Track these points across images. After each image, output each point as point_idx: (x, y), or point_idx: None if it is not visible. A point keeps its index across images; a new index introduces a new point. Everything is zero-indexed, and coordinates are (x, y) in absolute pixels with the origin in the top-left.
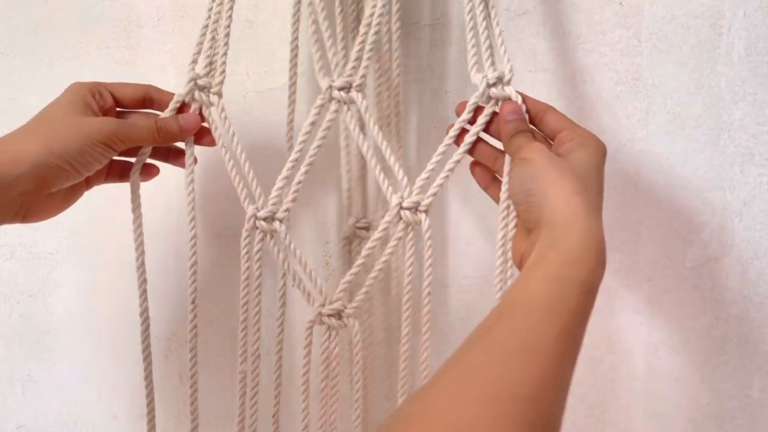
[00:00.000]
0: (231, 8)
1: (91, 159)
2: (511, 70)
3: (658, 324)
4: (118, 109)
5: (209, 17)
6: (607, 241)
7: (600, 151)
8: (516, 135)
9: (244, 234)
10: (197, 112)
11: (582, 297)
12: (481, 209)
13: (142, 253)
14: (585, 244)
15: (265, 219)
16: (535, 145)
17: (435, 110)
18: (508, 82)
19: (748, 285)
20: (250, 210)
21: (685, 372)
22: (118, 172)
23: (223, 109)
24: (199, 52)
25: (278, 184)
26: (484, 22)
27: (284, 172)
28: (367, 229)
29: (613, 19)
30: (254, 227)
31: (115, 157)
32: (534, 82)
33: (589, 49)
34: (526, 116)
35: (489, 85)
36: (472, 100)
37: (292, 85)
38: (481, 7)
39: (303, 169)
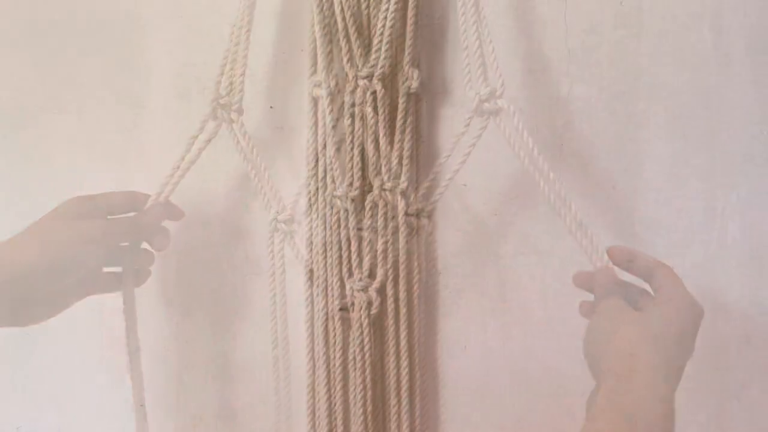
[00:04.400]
0: (249, 30)
1: (82, 258)
2: (502, 84)
3: None
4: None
5: (231, 40)
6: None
7: (687, 312)
8: (606, 298)
9: (269, 235)
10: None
11: None
12: (482, 207)
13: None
14: (645, 402)
15: (285, 222)
16: (609, 300)
17: (434, 110)
18: (501, 96)
19: (748, 285)
20: (271, 214)
21: (685, 372)
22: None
23: (242, 125)
24: (222, 74)
25: (297, 190)
26: (475, 35)
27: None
28: (360, 229)
29: (613, 19)
30: (275, 229)
31: (106, 270)
32: (534, 82)
33: (589, 50)
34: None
35: (482, 101)
36: (467, 116)
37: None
38: (474, 20)
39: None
